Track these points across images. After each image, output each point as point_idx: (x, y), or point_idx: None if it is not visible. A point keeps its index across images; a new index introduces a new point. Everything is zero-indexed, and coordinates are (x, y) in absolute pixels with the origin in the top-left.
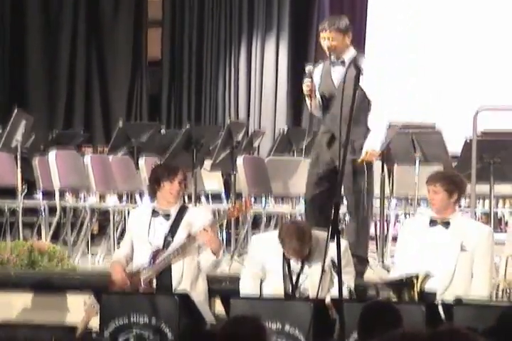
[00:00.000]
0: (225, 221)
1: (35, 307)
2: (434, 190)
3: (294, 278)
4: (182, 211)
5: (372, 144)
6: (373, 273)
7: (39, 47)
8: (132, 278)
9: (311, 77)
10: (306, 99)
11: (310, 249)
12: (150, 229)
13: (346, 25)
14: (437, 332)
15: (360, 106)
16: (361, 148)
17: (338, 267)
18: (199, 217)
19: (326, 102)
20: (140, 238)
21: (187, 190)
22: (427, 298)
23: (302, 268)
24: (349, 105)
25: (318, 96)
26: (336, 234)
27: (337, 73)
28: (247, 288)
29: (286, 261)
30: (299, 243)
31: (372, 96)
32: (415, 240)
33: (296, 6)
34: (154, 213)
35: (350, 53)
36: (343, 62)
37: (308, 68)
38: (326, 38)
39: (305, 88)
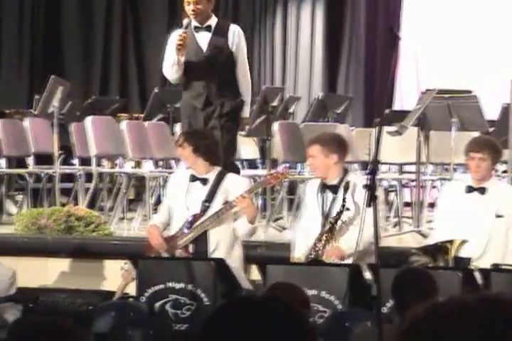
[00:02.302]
0: (262, 188)
1: (72, 273)
2: (481, 157)
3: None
4: (220, 177)
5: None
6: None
7: (74, 13)
8: (169, 242)
9: (186, 30)
10: (176, 52)
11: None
12: (187, 194)
13: None
14: (484, 299)
15: (231, 70)
16: (231, 110)
17: (375, 234)
18: (237, 183)
19: (193, 67)
20: (177, 203)
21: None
22: (462, 264)
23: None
24: (221, 70)
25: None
26: (372, 200)
27: (202, 39)
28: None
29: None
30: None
31: (409, 64)
32: (452, 206)
33: None
34: (192, 178)
35: (214, 19)
36: (208, 28)
37: (186, 21)
38: (191, 2)
39: (179, 39)
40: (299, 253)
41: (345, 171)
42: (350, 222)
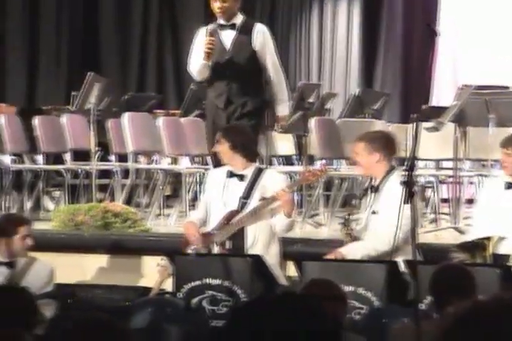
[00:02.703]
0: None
1: (109, 269)
2: (508, 153)
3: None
4: (258, 173)
5: (282, 109)
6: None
7: (112, 10)
8: (206, 239)
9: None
10: (203, 57)
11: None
12: (225, 190)
13: None
14: None
15: (253, 69)
16: (253, 110)
17: (412, 230)
18: (274, 179)
19: (216, 65)
20: (215, 199)
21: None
22: (500, 261)
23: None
24: (243, 69)
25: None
26: (410, 196)
27: (227, 37)
28: None
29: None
30: None
31: (446, 60)
32: (491, 203)
33: None
34: (229, 174)
35: (239, 17)
36: (233, 26)
37: (213, 27)
38: (218, 0)
39: (207, 46)
40: None
41: (389, 171)
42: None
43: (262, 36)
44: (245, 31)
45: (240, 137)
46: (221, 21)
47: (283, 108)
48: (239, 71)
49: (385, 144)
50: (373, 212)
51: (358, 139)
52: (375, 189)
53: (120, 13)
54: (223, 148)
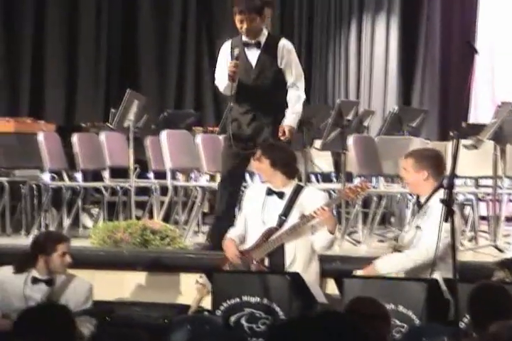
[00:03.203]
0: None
1: (147, 286)
2: None
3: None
4: (297, 191)
5: (290, 121)
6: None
7: (150, 28)
8: (244, 256)
9: (238, 60)
10: (227, 79)
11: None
12: (264, 207)
13: (261, 4)
14: None
15: (279, 86)
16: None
17: (452, 248)
18: (313, 197)
19: (242, 83)
20: (254, 216)
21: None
22: None
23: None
24: (269, 87)
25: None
26: (450, 214)
27: (252, 55)
28: None
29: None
30: None
31: (485, 77)
32: None
33: None
34: (269, 192)
35: (264, 34)
36: (258, 44)
37: (237, 50)
38: (245, 21)
39: (231, 69)
40: None
41: (436, 189)
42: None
43: (286, 53)
44: (270, 49)
45: (280, 154)
46: (246, 39)
47: (287, 119)
48: (265, 89)
49: (434, 163)
50: (417, 227)
51: (407, 155)
52: (420, 206)
53: (158, 31)
54: (263, 166)
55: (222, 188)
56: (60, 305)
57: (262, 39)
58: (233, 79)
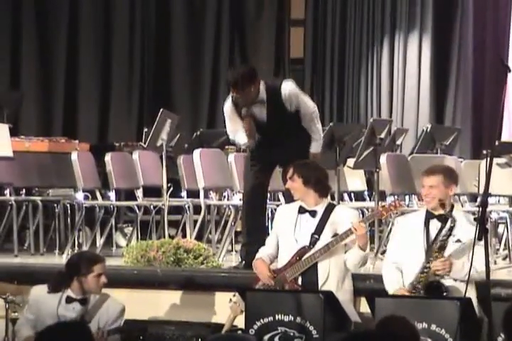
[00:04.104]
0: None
1: (181, 305)
2: None
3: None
4: (329, 209)
5: (314, 147)
6: None
7: (183, 48)
8: (277, 275)
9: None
10: (247, 138)
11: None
12: (296, 226)
13: (250, 76)
14: None
15: (295, 124)
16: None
17: (486, 267)
18: (346, 215)
19: (259, 135)
20: (286, 235)
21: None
22: None
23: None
24: (285, 130)
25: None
26: (483, 233)
27: (259, 111)
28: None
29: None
30: None
31: None
32: None
33: (439, 5)
34: (301, 210)
35: (262, 92)
36: (261, 101)
37: (244, 110)
38: (240, 95)
39: (246, 129)
40: (392, 287)
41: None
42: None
43: (290, 98)
44: (274, 101)
45: (313, 173)
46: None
47: (315, 146)
48: (282, 132)
49: (456, 177)
50: (458, 241)
51: (432, 172)
52: (452, 220)
53: (191, 50)
54: (296, 185)
55: (247, 206)
56: (82, 323)
57: (263, 95)
58: (251, 136)
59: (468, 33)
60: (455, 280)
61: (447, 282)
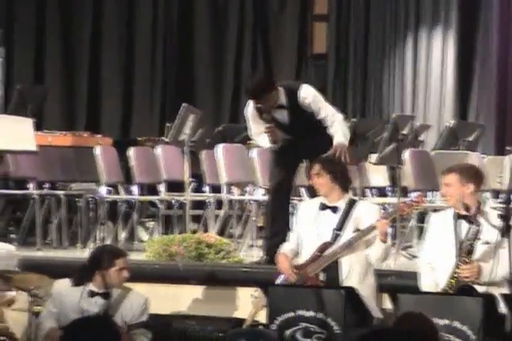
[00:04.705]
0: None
1: (202, 300)
2: None
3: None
4: (351, 204)
5: (339, 139)
6: None
7: (206, 43)
8: (299, 271)
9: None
10: (271, 143)
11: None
12: (318, 222)
13: (267, 84)
14: None
15: (316, 123)
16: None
17: (510, 264)
18: (368, 211)
19: (284, 137)
20: (307, 231)
21: None
22: None
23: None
24: (308, 129)
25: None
26: (508, 230)
27: (281, 116)
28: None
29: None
30: None
31: None
32: None
33: (463, 1)
34: (322, 206)
35: (281, 93)
36: (281, 106)
37: (265, 115)
38: (261, 103)
39: (269, 134)
40: (429, 286)
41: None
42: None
43: (309, 98)
44: (293, 102)
45: (339, 168)
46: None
47: (336, 138)
48: (306, 131)
49: (476, 175)
50: (487, 243)
51: (449, 170)
52: (475, 220)
53: (214, 45)
54: (324, 180)
55: (273, 201)
56: (108, 318)
57: (283, 100)
58: (274, 141)
59: (492, 29)
60: (486, 284)
61: (480, 289)
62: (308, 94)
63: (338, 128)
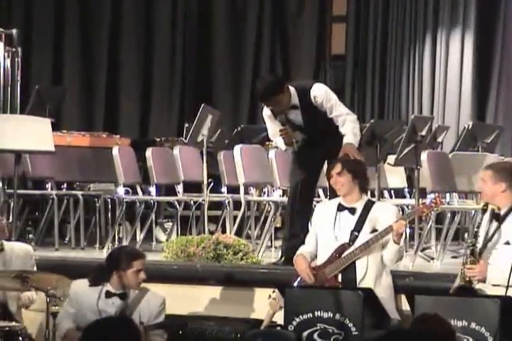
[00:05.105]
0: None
1: (220, 301)
2: None
3: None
4: (368, 206)
5: (348, 139)
6: None
7: (224, 44)
8: (317, 272)
9: (286, 124)
10: (283, 141)
11: None
12: (335, 223)
13: (275, 88)
14: None
15: (331, 122)
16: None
17: None
18: (385, 212)
19: (302, 137)
20: (325, 232)
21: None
22: None
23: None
24: (323, 128)
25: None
26: None
27: (295, 117)
28: None
29: None
30: None
31: None
32: None
33: (482, 2)
34: (340, 207)
35: (294, 97)
36: (294, 106)
37: (279, 117)
38: (272, 106)
39: (284, 136)
40: None
41: None
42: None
43: (321, 98)
44: (306, 102)
45: (360, 168)
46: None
47: (345, 138)
48: (323, 131)
49: (510, 175)
50: (507, 243)
51: (487, 167)
52: (502, 219)
53: (233, 46)
54: (345, 180)
55: (292, 202)
56: (128, 319)
57: (296, 100)
58: (289, 144)
59: (511, 30)
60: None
61: (496, 291)
62: (319, 92)
63: (349, 128)
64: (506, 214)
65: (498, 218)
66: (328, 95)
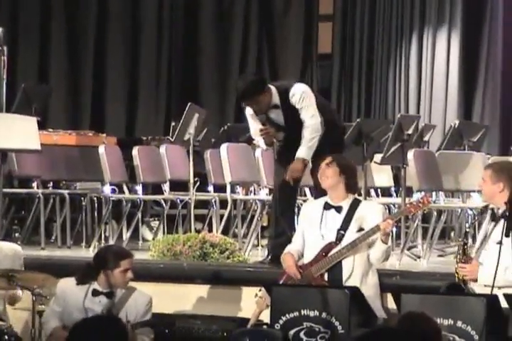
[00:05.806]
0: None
1: (207, 299)
2: None
3: None
4: (355, 204)
5: (299, 153)
6: None
7: (211, 42)
8: (303, 271)
9: (267, 124)
10: (263, 141)
11: None
12: (322, 222)
13: (254, 88)
14: None
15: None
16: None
17: None
18: (372, 211)
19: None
20: (312, 231)
21: None
22: None
23: None
24: (301, 128)
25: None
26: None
27: (276, 116)
28: None
29: None
30: None
31: None
32: None
33: (468, 1)
34: (326, 206)
35: (275, 97)
36: (275, 106)
37: (261, 118)
38: (251, 105)
39: (265, 136)
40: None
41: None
42: None
43: (295, 95)
44: (286, 102)
45: (350, 166)
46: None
47: (298, 152)
48: (300, 131)
49: (509, 175)
50: (499, 243)
51: (487, 166)
52: (498, 219)
53: (219, 45)
54: (332, 172)
55: (277, 200)
56: (115, 318)
57: (277, 100)
58: (270, 144)
59: (497, 29)
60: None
61: (498, 292)
62: (296, 92)
63: (305, 140)
64: (502, 214)
65: (495, 218)
66: (302, 97)
